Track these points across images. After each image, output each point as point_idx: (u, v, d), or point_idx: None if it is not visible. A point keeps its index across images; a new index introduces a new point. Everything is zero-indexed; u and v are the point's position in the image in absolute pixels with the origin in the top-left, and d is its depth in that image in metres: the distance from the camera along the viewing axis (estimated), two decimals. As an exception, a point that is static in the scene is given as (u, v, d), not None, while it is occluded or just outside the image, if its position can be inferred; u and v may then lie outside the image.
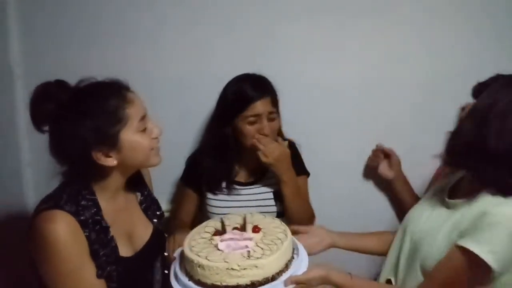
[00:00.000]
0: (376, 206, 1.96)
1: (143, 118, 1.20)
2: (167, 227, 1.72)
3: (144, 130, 1.20)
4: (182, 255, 1.22)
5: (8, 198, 1.70)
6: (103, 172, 1.20)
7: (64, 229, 1.10)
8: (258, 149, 1.57)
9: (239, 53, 1.81)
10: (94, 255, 1.15)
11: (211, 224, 1.31)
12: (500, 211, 1.12)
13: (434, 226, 1.27)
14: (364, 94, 1.86)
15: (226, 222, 1.29)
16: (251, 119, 1.57)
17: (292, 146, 1.73)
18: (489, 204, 1.15)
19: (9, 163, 1.76)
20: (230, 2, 1.78)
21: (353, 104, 1.87)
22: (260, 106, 1.56)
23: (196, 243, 1.22)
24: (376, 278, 1.50)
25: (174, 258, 1.28)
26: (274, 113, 1.60)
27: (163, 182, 1.90)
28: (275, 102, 1.61)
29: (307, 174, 1.78)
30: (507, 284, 1.17)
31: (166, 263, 1.37)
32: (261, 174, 1.70)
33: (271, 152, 1.57)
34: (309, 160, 1.80)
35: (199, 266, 1.13)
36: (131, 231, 1.29)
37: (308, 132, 1.85)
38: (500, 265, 1.11)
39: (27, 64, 1.78)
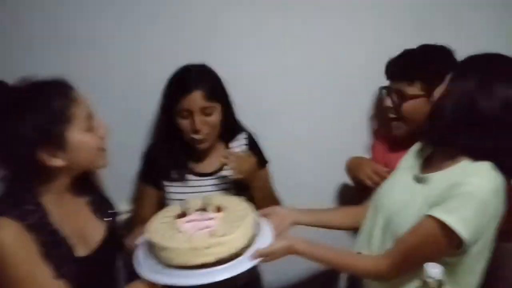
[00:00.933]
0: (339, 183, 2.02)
1: (89, 117, 1.19)
2: (129, 227, 1.69)
3: (91, 130, 1.19)
4: (146, 241, 1.22)
5: None
6: (48, 174, 1.17)
7: (9, 235, 1.07)
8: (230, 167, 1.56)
9: (183, 44, 1.80)
10: (47, 257, 1.12)
11: (171, 209, 1.31)
12: (471, 181, 1.14)
13: (407, 200, 1.29)
14: (311, 77, 1.90)
15: (186, 205, 1.29)
16: (184, 113, 1.55)
17: (250, 138, 1.75)
18: (459, 175, 1.17)
19: None
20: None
21: (300, 88, 1.91)
22: (189, 101, 1.53)
23: (159, 228, 1.22)
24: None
25: (136, 246, 1.27)
26: (209, 107, 1.56)
27: (120, 183, 1.87)
28: (212, 96, 1.56)
29: (267, 162, 1.80)
30: (476, 254, 1.21)
31: (129, 262, 1.34)
32: (221, 165, 1.69)
33: (241, 168, 1.55)
34: (266, 147, 1.81)
35: (163, 249, 1.13)
36: (81, 232, 1.26)
37: (261, 119, 1.87)
38: (470, 234, 1.13)
39: None
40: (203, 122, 1.55)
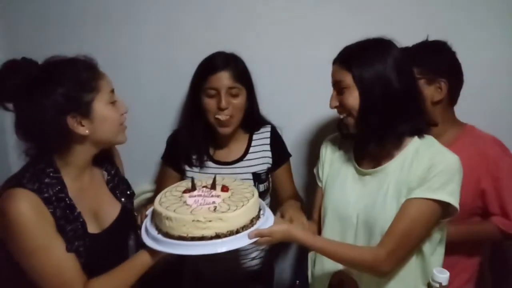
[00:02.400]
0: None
1: (112, 91, 1.27)
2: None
3: (114, 103, 1.27)
4: (153, 210, 1.28)
5: None
6: (71, 145, 1.24)
7: (26, 206, 1.13)
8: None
9: (217, 37, 1.85)
10: (61, 230, 1.18)
11: (183, 184, 1.37)
12: (445, 157, 1.28)
13: (373, 197, 1.33)
14: None
15: (197, 182, 1.34)
16: (210, 91, 1.60)
17: (274, 132, 1.77)
18: (426, 155, 1.28)
19: None
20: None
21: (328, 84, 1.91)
22: (217, 79, 1.58)
23: (166, 199, 1.27)
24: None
25: (146, 216, 1.33)
26: (236, 88, 1.60)
27: (146, 163, 1.97)
28: (238, 78, 1.61)
29: (289, 156, 1.82)
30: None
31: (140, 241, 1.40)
32: (242, 155, 1.74)
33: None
34: (288, 139, 1.83)
35: (167, 219, 1.18)
36: (97, 209, 1.32)
37: (285, 112, 1.89)
38: (457, 201, 1.26)
39: (9, 49, 1.81)
40: (228, 102, 1.59)
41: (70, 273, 1.18)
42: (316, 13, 1.84)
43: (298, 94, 1.92)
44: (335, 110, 1.42)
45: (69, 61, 1.24)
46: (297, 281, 1.49)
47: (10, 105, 1.21)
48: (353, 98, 1.30)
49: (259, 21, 1.86)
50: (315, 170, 1.59)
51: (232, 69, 1.59)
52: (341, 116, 1.37)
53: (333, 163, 1.50)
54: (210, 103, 1.61)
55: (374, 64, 1.27)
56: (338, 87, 1.35)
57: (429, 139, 1.34)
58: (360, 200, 1.37)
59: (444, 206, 1.26)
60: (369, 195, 1.35)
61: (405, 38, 1.41)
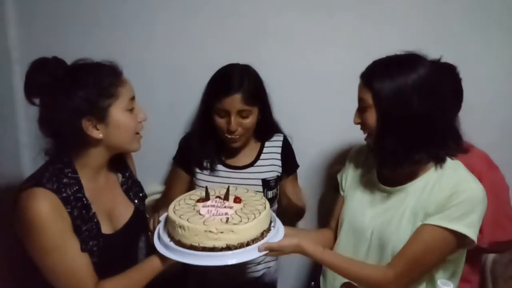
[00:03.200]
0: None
1: (132, 99, 1.29)
2: (157, 206, 1.77)
3: (131, 111, 1.29)
4: (167, 217, 1.31)
5: (6, 178, 1.75)
6: (86, 147, 1.27)
7: (45, 206, 1.15)
8: None
9: (230, 43, 1.88)
10: (77, 230, 1.21)
11: (197, 193, 1.40)
12: (468, 187, 1.23)
13: (390, 215, 1.32)
14: (351, 85, 1.89)
15: (210, 192, 1.37)
16: (221, 112, 1.61)
17: (285, 142, 1.79)
18: (450, 182, 1.24)
19: (7, 145, 1.83)
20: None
21: (340, 95, 1.86)
22: (228, 102, 1.57)
23: (180, 208, 1.31)
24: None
25: (159, 222, 1.36)
26: (246, 111, 1.60)
27: (157, 164, 1.99)
28: (250, 100, 1.59)
29: (297, 167, 1.84)
30: None
31: (150, 243, 1.42)
32: (253, 161, 1.76)
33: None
34: (298, 149, 1.85)
35: (180, 227, 1.21)
36: (111, 210, 1.35)
37: (297, 121, 1.90)
38: (476, 234, 1.22)
39: (24, 48, 1.84)
40: (238, 124, 1.60)
41: (83, 273, 1.21)
42: (329, 23, 1.85)
43: (310, 104, 1.94)
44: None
45: (94, 65, 1.27)
46: (312, 283, 1.47)
47: (37, 100, 1.24)
48: (372, 118, 1.27)
49: (272, 29, 1.88)
50: (338, 177, 1.58)
51: (245, 91, 1.58)
52: (364, 134, 1.35)
53: (356, 173, 1.50)
54: (220, 122, 1.62)
55: (394, 83, 1.22)
56: (361, 104, 1.32)
57: (455, 164, 1.30)
58: (376, 216, 1.36)
59: (461, 237, 1.22)
60: (386, 213, 1.34)
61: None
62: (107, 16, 1.87)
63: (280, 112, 1.79)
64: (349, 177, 1.52)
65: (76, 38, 1.85)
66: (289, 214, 1.75)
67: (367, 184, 1.43)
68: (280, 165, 1.77)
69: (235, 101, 1.57)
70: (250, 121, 1.63)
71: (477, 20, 1.82)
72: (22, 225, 1.17)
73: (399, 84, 1.21)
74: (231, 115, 1.58)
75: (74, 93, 1.20)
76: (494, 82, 1.82)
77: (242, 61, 1.69)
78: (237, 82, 1.58)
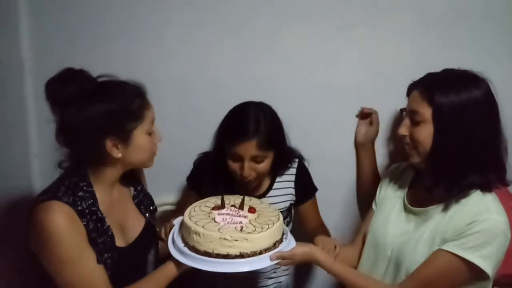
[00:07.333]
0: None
1: (153, 122, 1.32)
2: (167, 220, 1.78)
3: (151, 134, 1.31)
4: (182, 223, 1.34)
5: (16, 188, 1.73)
6: (104, 164, 1.27)
7: (62, 219, 1.16)
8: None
9: (240, 56, 1.87)
10: (92, 243, 1.22)
11: (212, 200, 1.43)
12: (489, 217, 1.18)
13: (411, 236, 1.31)
14: (361, 98, 1.87)
15: (226, 200, 1.40)
16: (234, 157, 1.54)
17: (300, 167, 1.74)
18: (472, 210, 1.20)
19: (17, 155, 1.81)
20: (233, 6, 1.86)
21: (354, 109, 1.87)
22: (242, 148, 1.49)
23: (195, 214, 1.34)
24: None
25: (172, 226, 1.39)
26: (261, 156, 1.52)
27: (172, 177, 1.95)
28: (266, 146, 1.51)
29: (315, 191, 1.79)
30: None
31: (159, 257, 1.44)
32: (265, 191, 1.71)
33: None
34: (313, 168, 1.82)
35: (195, 233, 1.24)
36: (123, 223, 1.36)
37: (306, 134, 1.87)
38: (492, 268, 1.18)
39: (36, 60, 1.85)
40: (252, 169, 1.54)
41: (100, 285, 1.21)
42: (340, 38, 1.86)
43: (322, 119, 1.93)
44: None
45: (121, 84, 1.27)
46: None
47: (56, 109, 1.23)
48: (427, 135, 1.21)
49: (283, 43, 1.88)
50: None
51: (261, 137, 1.49)
52: (405, 145, 1.30)
53: (388, 189, 1.48)
54: (233, 166, 1.55)
55: (458, 98, 1.16)
56: (413, 118, 1.24)
57: (490, 195, 1.24)
58: (398, 235, 1.34)
59: (475, 268, 1.17)
60: (407, 233, 1.33)
61: (426, 68, 1.38)
62: (115, 29, 1.88)
63: (291, 129, 1.73)
64: (382, 191, 1.51)
65: (87, 50, 1.86)
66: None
67: (395, 201, 1.42)
68: (294, 193, 1.73)
69: (250, 147, 1.49)
70: (264, 165, 1.56)
71: (487, 34, 1.82)
72: (38, 238, 1.17)
73: (463, 99, 1.16)
74: (245, 160, 1.52)
75: (102, 111, 1.21)
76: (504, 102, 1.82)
77: (252, 75, 1.69)
78: (252, 127, 1.50)
